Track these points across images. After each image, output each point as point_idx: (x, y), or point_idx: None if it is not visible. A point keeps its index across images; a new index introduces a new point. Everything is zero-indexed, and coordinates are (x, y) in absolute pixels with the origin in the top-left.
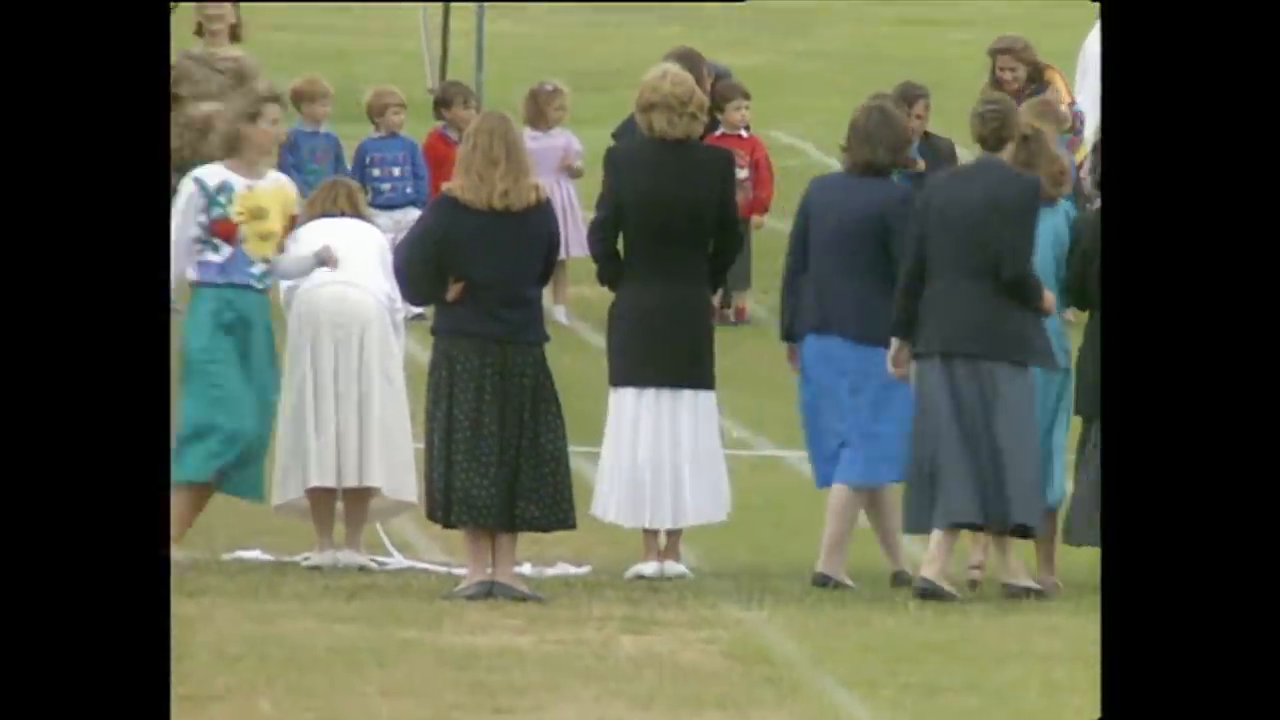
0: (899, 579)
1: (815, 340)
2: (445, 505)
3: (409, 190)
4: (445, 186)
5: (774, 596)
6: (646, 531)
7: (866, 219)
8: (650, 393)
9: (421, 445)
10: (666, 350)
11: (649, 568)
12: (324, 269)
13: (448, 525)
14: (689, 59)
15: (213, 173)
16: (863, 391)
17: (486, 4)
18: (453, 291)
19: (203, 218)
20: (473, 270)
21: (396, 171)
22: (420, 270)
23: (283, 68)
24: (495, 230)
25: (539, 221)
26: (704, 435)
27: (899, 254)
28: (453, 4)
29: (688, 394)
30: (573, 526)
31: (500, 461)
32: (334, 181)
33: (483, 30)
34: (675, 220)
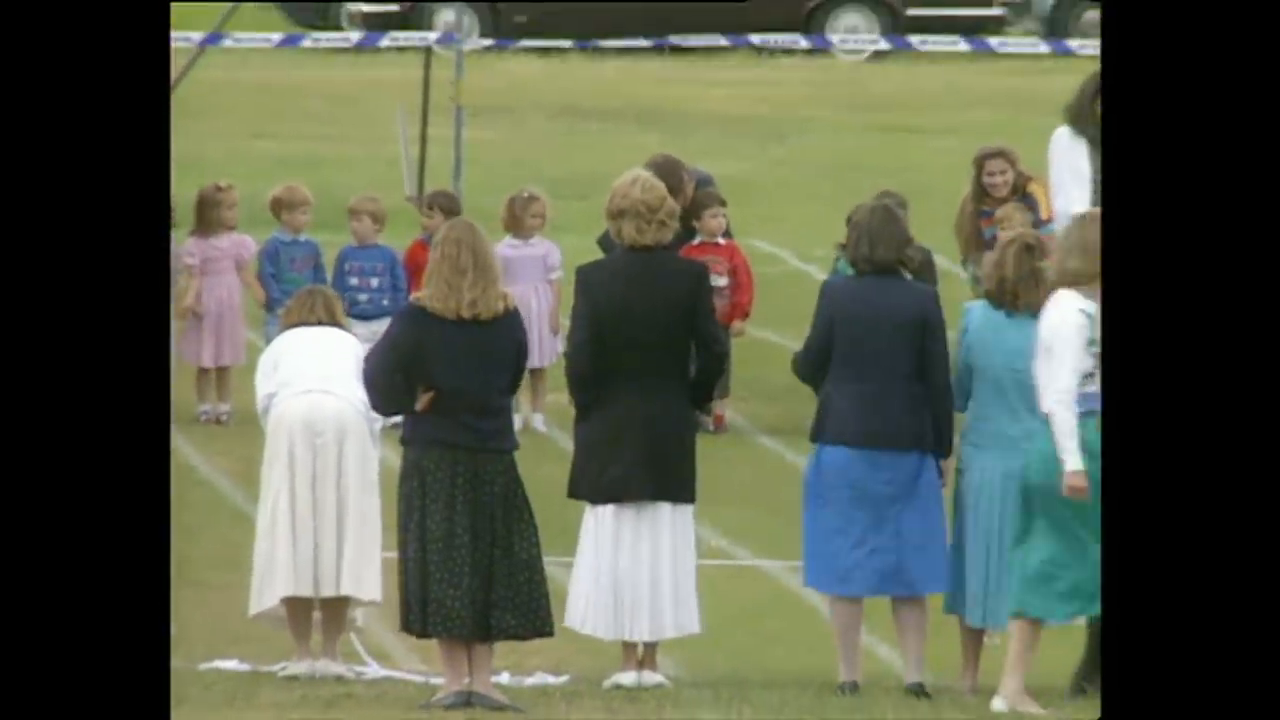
0: (918, 689)
1: (858, 452)
2: (422, 616)
3: (385, 302)
4: (414, 296)
5: (752, 706)
6: (625, 642)
7: (907, 324)
8: (630, 507)
9: (390, 552)
10: (649, 464)
11: (627, 677)
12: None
13: (423, 635)
14: (668, 166)
15: None
16: (911, 500)
17: (465, 110)
18: (422, 402)
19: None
20: (443, 380)
21: (374, 282)
22: (388, 380)
23: (261, 174)
24: (465, 339)
25: (508, 330)
26: (681, 549)
27: (937, 358)
28: (430, 112)
29: (666, 507)
30: (550, 634)
31: (473, 571)
32: (311, 290)
33: (461, 137)
34: (649, 330)
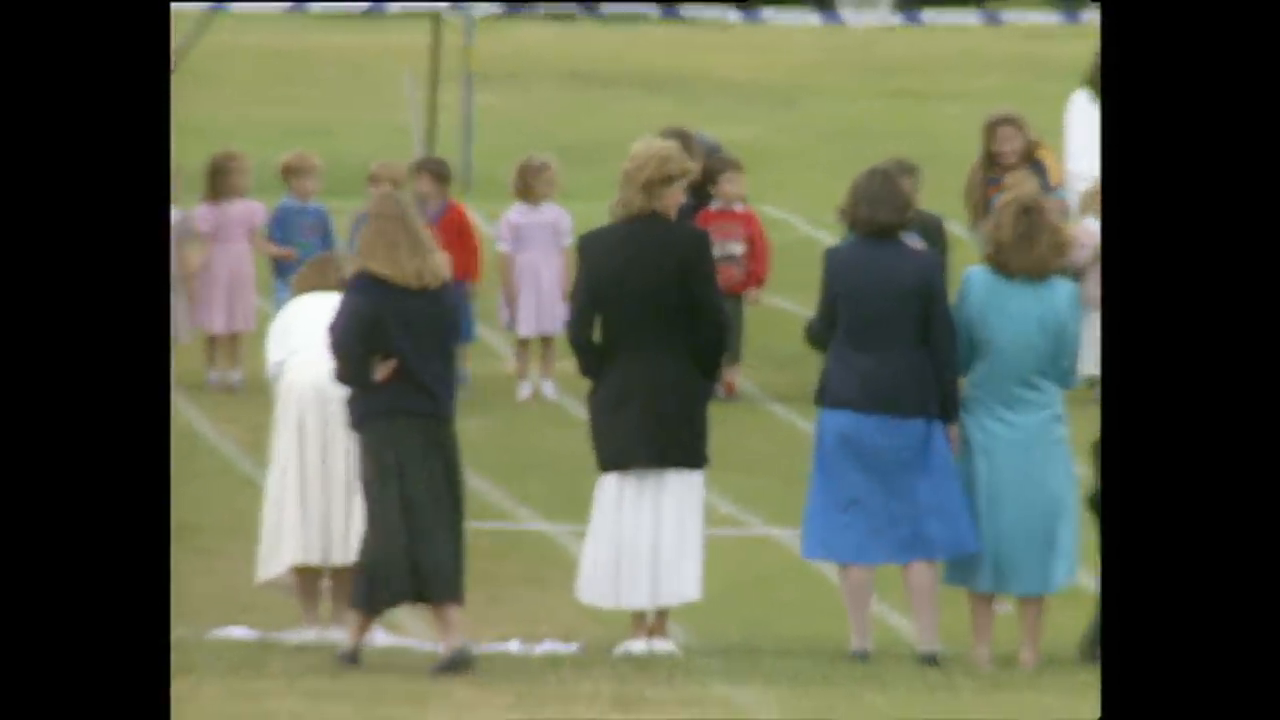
0: (930, 659)
1: (861, 417)
2: (388, 586)
3: None
4: (362, 266)
5: (764, 675)
6: (635, 610)
7: (910, 291)
8: (635, 475)
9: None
10: (650, 431)
11: (637, 645)
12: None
13: (393, 604)
14: (677, 139)
15: None
16: (924, 465)
17: (474, 76)
18: (383, 371)
19: None
20: (405, 348)
21: None
22: (357, 350)
23: (270, 141)
24: (418, 307)
25: (449, 297)
26: (685, 515)
27: (941, 325)
28: (440, 78)
29: (671, 474)
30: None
31: (447, 536)
32: (324, 257)
33: (471, 104)
34: (648, 297)
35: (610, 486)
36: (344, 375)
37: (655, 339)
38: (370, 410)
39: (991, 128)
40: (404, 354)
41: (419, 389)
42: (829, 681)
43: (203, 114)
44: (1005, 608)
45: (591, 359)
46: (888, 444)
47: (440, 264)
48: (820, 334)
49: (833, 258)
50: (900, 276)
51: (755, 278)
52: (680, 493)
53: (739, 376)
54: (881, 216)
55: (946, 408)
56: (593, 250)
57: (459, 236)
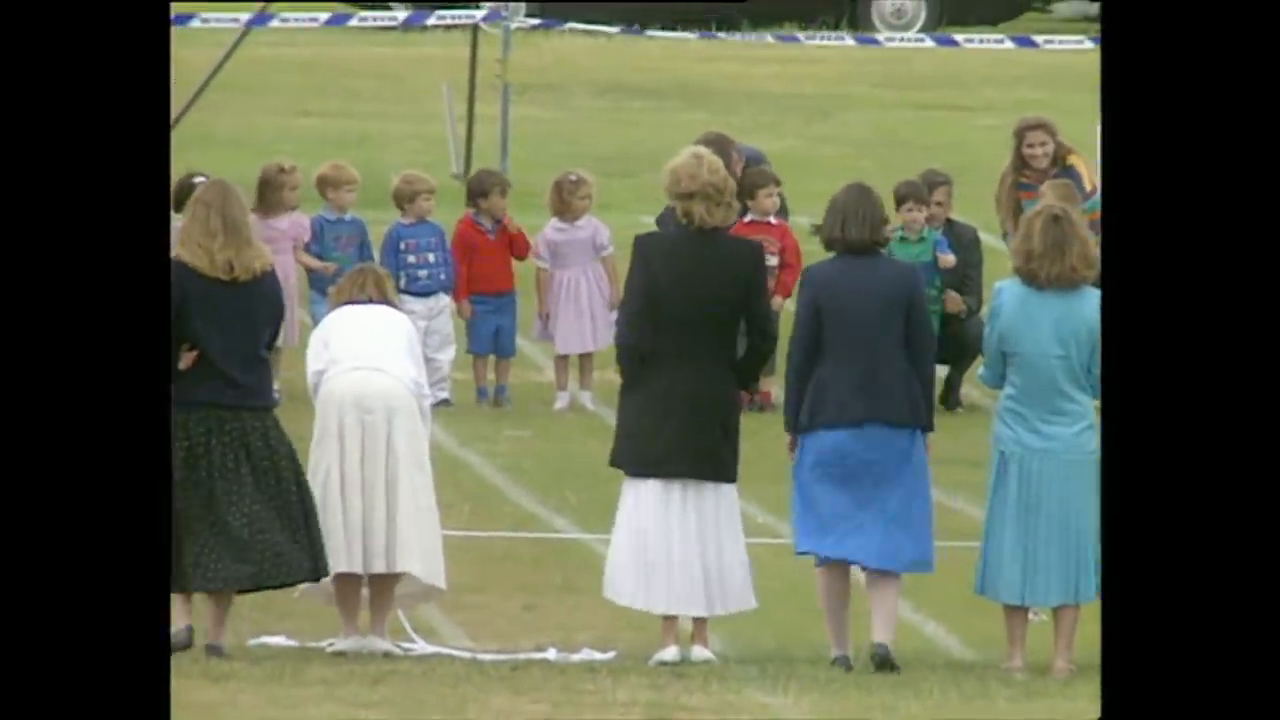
0: (844, 662)
1: (854, 431)
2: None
3: (442, 277)
4: (174, 254)
5: (799, 682)
6: (665, 617)
7: (895, 301)
8: (669, 483)
9: (445, 530)
10: (689, 442)
11: (669, 653)
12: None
13: (183, 591)
14: (719, 144)
15: None
16: (898, 478)
17: (511, 87)
18: (185, 360)
19: None
20: (206, 338)
21: (431, 258)
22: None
23: (307, 152)
24: (226, 298)
25: (267, 289)
26: (721, 527)
27: (923, 331)
28: (477, 89)
29: (708, 486)
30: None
31: (219, 526)
32: (361, 268)
33: (507, 115)
34: (704, 309)
35: (644, 493)
36: None
37: (703, 349)
38: (175, 400)
39: (1022, 132)
40: (206, 345)
41: (223, 381)
42: (864, 689)
43: (241, 125)
44: (1040, 617)
45: (637, 361)
46: (872, 456)
47: (254, 258)
48: (802, 364)
49: (812, 274)
50: (882, 286)
51: (783, 288)
52: (716, 505)
53: (775, 387)
54: (852, 234)
55: (928, 417)
56: (653, 256)
57: (513, 249)
